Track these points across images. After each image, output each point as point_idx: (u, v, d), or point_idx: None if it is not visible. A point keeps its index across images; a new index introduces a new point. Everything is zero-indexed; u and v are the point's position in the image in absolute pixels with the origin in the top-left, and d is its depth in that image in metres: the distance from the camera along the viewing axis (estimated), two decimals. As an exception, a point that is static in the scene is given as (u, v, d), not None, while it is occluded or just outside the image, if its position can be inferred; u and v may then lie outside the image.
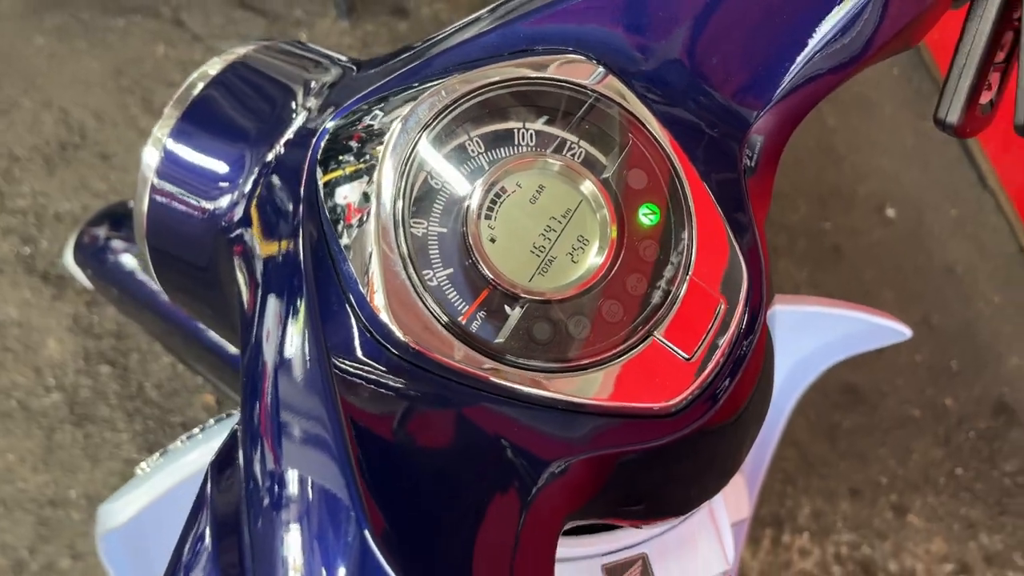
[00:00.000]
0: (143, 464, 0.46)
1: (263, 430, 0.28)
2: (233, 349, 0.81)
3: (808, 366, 0.60)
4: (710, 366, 0.32)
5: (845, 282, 1.75)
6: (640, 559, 0.42)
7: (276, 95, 0.37)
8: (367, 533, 0.25)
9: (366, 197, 0.31)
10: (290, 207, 0.33)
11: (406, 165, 0.31)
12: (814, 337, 0.59)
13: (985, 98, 0.38)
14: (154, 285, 0.83)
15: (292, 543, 0.26)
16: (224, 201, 0.35)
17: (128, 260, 0.84)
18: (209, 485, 0.28)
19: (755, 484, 0.57)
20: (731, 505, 0.45)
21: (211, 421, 0.46)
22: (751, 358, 0.33)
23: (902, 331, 0.58)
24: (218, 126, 0.36)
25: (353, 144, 0.33)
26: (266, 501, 0.27)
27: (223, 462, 0.29)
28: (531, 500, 0.28)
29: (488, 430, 0.29)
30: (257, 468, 0.28)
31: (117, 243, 0.85)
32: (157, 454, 0.46)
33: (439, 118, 0.32)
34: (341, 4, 1.96)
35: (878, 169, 1.99)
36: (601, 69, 0.34)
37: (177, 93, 0.37)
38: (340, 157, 0.32)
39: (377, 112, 0.33)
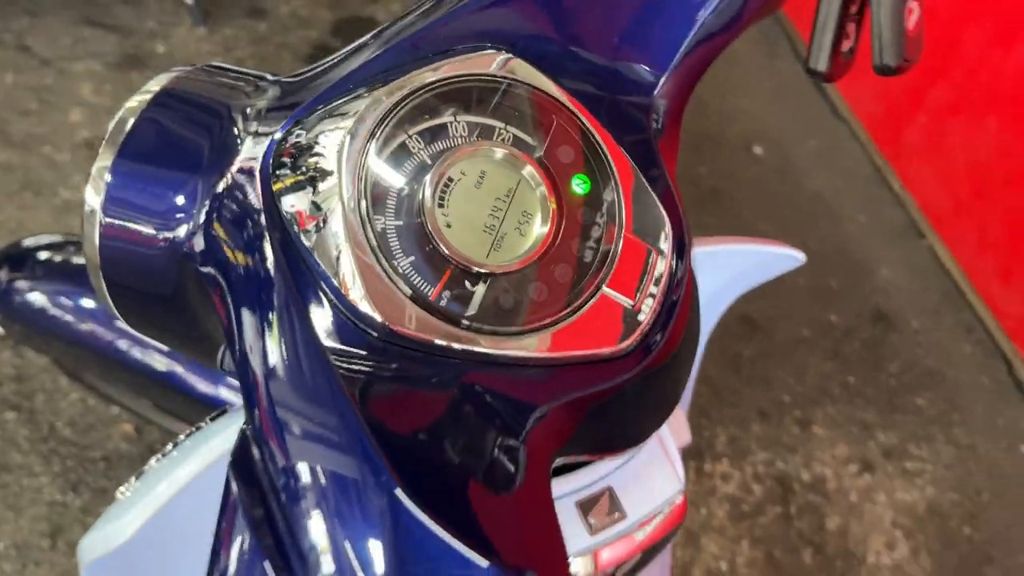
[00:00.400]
0: (122, 489, 0.47)
1: (275, 427, 0.31)
2: (162, 367, 0.81)
3: (717, 301, 0.65)
4: (651, 309, 0.36)
5: (727, 221, 1.86)
6: (607, 491, 0.46)
7: (211, 119, 0.38)
8: (397, 491, 0.28)
9: (324, 203, 0.34)
10: (251, 223, 0.35)
11: (361, 169, 0.34)
12: (719, 273, 0.64)
13: (846, 46, 0.43)
14: (68, 317, 0.82)
15: (332, 518, 0.28)
16: (182, 230, 0.36)
17: (36, 298, 0.82)
18: (235, 487, 0.31)
19: (685, 413, 0.63)
20: (674, 432, 0.50)
21: (182, 437, 0.47)
22: (683, 297, 0.38)
23: (797, 256, 0.64)
24: (158, 158, 0.37)
25: (304, 156, 0.35)
26: (298, 488, 0.29)
27: (241, 464, 0.31)
28: (522, 442, 0.32)
29: (476, 391, 0.33)
30: (279, 461, 0.30)
31: (21, 283, 0.83)
32: (134, 477, 0.47)
33: (383, 123, 0.35)
34: (195, 11, 1.92)
35: (741, 111, 2.10)
36: (516, 58, 0.38)
37: (109, 130, 0.37)
38: (293, 169, 0.35)
39: (322, 123, 0.36)
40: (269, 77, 0.40)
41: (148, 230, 0.36)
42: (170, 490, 0.42)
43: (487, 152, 0.36)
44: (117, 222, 0.36)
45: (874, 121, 2.16)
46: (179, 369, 0.81)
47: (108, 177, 0.36)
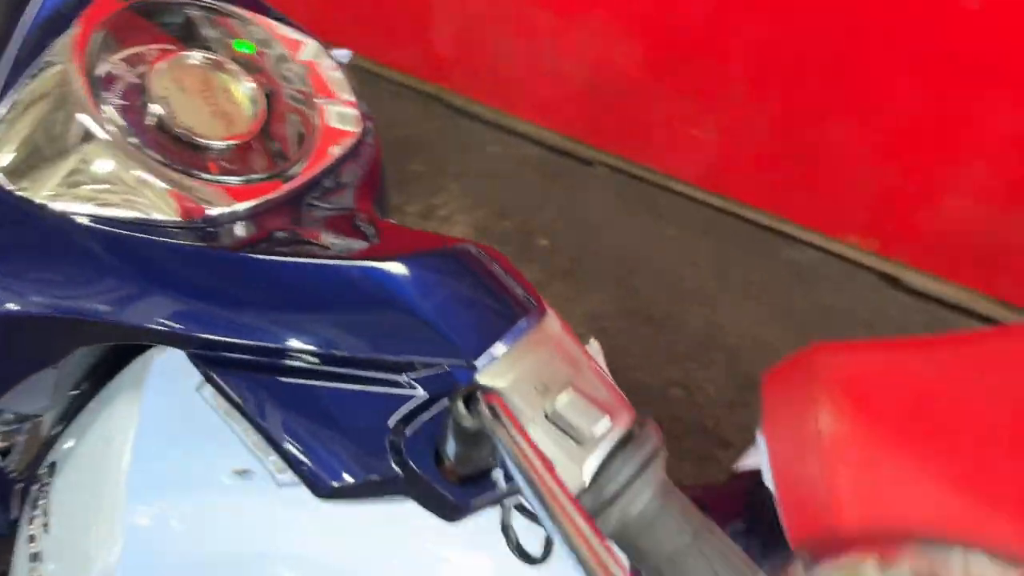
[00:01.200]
0: (31, 533, 0.46)
1: (219, 310, 0.38)
2: None
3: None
4: (347, 100, 0.51)
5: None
6: None
7: None
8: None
9: (92, 165, 0.39)
10: (40, 234, 0.40)
11: (107, 123, 0.40)
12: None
13: None
14: None
15: (290, 313, 0.38)
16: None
17: None
18: (226, 383, 0.38)
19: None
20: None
21: (44, 468, 0.47)
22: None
23: (345, 53, 0.79)
24: None
25: (40, 135, 0.40)
26: (251, 326, 0.38)
27: (227, 368, 0.39)
28: (359, 209, 0.45)
29: (308, 209, 0.44)
30: (243, 320, 0.38)
31: None
32: (41, 525, 0.45)
33: (91, 87, 0.41)
34: None
35: None
36: None
37: None
38: (32, 156, 0.40)
39: (23, 119, 0.41)
40: None
41: None
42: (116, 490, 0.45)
43: (170, 65, 0.43)
44: None
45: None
46: None
47: None
